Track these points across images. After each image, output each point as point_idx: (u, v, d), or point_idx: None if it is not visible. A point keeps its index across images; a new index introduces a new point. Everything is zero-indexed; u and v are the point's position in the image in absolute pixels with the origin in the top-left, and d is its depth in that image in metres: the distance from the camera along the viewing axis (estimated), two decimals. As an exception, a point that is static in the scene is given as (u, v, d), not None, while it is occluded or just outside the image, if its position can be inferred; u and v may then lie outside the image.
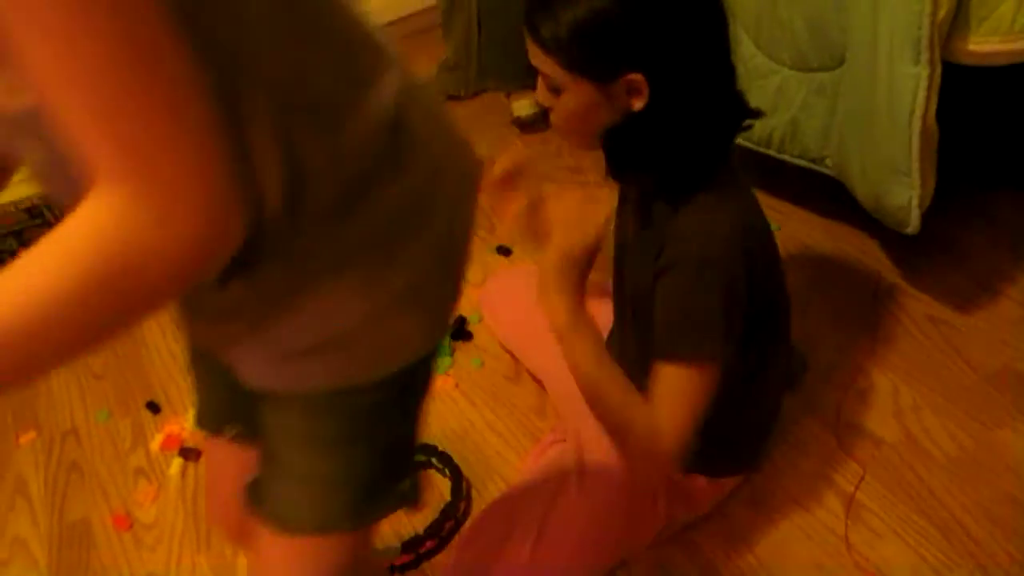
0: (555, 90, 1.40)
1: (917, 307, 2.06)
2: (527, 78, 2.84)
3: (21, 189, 2.60)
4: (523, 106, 2.93)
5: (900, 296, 2.09)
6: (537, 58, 1.39)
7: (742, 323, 1.42)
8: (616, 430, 1.43)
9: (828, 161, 2.06)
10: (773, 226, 2.27)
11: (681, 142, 1.39)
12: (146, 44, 0.63)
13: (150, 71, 0.63)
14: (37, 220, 2.67)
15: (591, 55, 1.33)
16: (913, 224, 1.85)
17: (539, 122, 2.90)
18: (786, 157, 2.17)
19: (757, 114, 1.46)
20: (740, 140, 2.23)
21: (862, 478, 1.75)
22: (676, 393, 1.40)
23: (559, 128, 1.47)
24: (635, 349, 1.62)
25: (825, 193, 2.19)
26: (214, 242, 0.69)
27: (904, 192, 1.81)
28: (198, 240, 0.68)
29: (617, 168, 1.47)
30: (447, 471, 1.90)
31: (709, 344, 1.39)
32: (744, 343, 1.49)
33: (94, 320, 0.70)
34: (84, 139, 0.64)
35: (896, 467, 1.77)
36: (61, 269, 0.67)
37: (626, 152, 1.43)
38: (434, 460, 1.94)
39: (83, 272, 0.67)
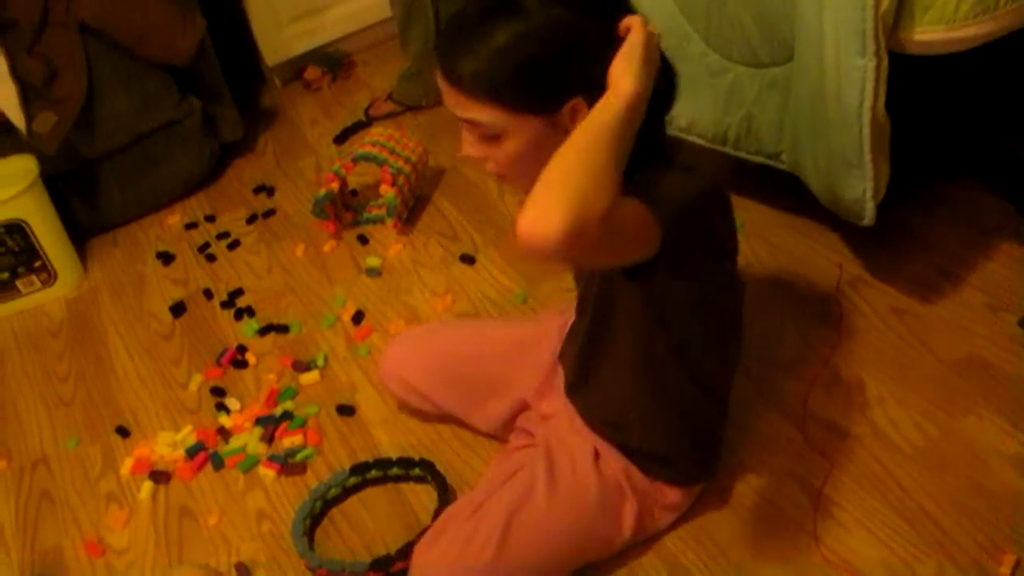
0: (491, 138, 1.33)
1: (880, 298, 2.06)
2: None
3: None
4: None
5: (863, 288, 2.09)
6: (467, 109, 1.31)
7: (695, 250, 1.38)
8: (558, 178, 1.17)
9: (783, 156, 2.06)
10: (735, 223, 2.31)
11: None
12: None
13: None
14: (0, 249, 2.66)
15: (535, 89, 1.28)
16: (868, 216, 1.85)
17: None
18: (742, 154, 2.17)
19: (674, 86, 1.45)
20: (695, 139, 2.25)
21: (829, 472, 1.75)
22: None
23: (504, 176, 1.39)
24: (583, 343, 1.65)
25: (785, 188, 2.19)
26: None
27: (857, 185, 1.81)
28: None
29: None
30: (434, 484, 1.89)
31: (664, 204, 1.28)
32: (700, 342, 1.53)
33: None
34: None
35: (863, 460, 1.76)
36: None
37: None
38: (417, 472, 1.94)
39: None
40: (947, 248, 2.13)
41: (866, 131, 1.74)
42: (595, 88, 1.25)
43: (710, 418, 1.70)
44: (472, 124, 1.34)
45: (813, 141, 1.89)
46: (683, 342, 1.54)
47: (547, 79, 1.28)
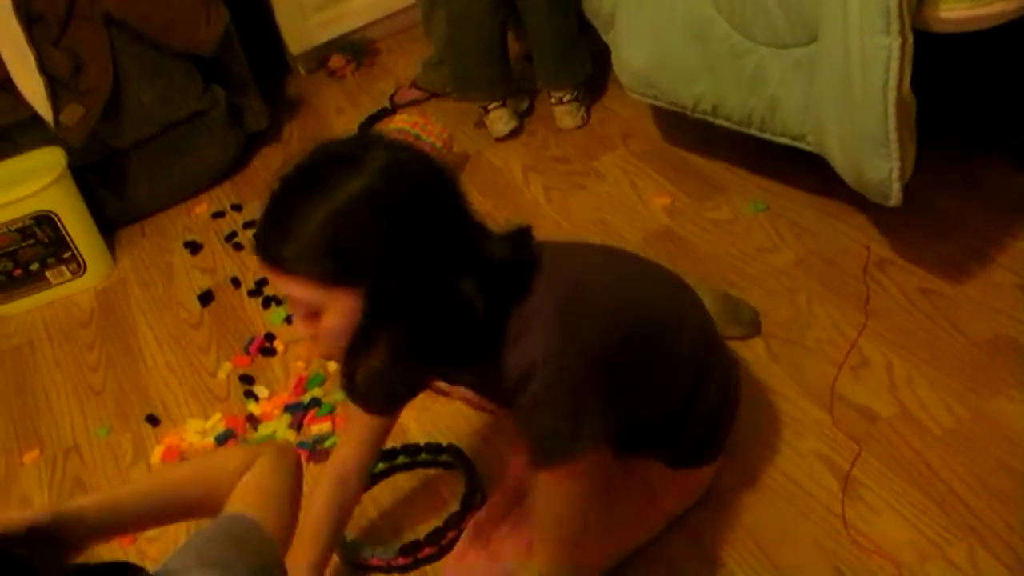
0: (312, 315, 1.30)
1: (908, 279, 2.04)
2: (499, 87, 2.81)
3: (13, 210, 2.61)
4: (499, 125, 2.90)
5: (891, 269, 2.07)
6: (285, 285, 1.28)
7: (608, 388, 1.38)
8: None
9: (809, 138, 2.05)
10: (760, 206, 2.30)
11: (455, 323, 1.31)
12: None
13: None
14: (30, 240, 2.68)
15: (343, 259, 1.24)
16: (895, 197, 1.84)
17: (519, 131, 2.92)
18: (768, 136, 2.15)
19: (529, 266, 1.38)
20: (721, 122, 2.24)
21: (858, 455, 1.74)
22: (559, 500, 1.42)
23: (335, 356, 1.37)
24: None
25: (811, 169, 2.18)
26: None
27: (883, 165, 1.80)
28: None
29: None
30: (462, 470, 1.90)
31: (579, 444, 1.36)
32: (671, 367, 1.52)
33: None
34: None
35: (892, 442, 1.75)
36: None
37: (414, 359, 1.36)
38: (445, 458, 1.94)
39: None
40: (975, 228, 2.10)
41: (891, 111, 1.72)
42: (408, 264, 1.25)
43: (712, 405, 1.64)
44: (292, 300, 1.32)
45: (839, 122, 1.87)
46: (652, 401, 1.56)
47: (355, 254, 1.24)
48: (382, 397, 1.59)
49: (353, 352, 1.32)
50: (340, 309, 1.27)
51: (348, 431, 1.71)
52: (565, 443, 1.36)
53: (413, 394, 1.60)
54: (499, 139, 2.90)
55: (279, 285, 1.29)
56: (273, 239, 1.26)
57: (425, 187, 1.28)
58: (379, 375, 1.37)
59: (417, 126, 2.73)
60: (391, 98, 3.25)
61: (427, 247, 1.26)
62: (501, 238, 1.37)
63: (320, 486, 1.70)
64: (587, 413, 1.35)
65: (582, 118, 2.86)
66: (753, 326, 2.00)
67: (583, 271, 1.46)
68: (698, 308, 1.66)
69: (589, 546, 1.59)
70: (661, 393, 1.56)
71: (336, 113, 3.34)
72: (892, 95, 1.71)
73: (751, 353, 1.96)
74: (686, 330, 1.58)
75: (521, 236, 1.41)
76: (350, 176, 1.23)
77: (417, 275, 1.26)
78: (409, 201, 1.25)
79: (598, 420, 1.37)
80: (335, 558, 1.80)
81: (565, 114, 2.86)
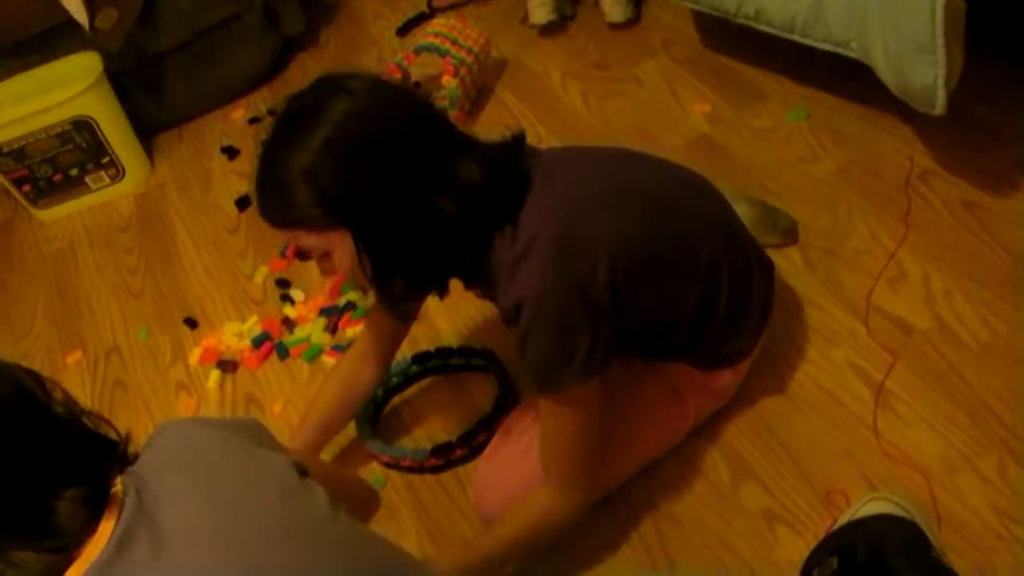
0: (326, 256, 1.39)
1: (951, 191, 2.00)
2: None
3: (51, 115, 2.62)
4: (540, 12, 2.85)
5: (933, 180, 2.03)
6: (293, 237, 1.38)
7: (607, 317, 1.40)
8: (539, 532, 1.53)
9: (853, 44, 1.99)
10: (801, 114, 2.26)
11: (439, 234, 1.37)
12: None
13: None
14: (69, 146, 2.70)
15: (327, 206, 1.30)
16: (940, 105, 1.79)
17: (558, 26, 2.87)
18: (810, 42, 2.10)
19: (525, 184, 1.40)
20: (763, 27, 2.19)
21: (892, 366, 1.73)
22: (561, 430, 1.46)
23: (362, 286, 1.45)
24: None
25: (854, 77, 2.13)
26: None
27: (929, 71, 1.75)
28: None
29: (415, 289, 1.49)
30: (495, 373, 1.91)
31: (569, 376, 1.39)
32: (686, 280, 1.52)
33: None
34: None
35: (927, 354, 1.74)
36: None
37: (411, 271, 1.42)
38: (478, 361, 1.96)
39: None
40: (1021, 139, 2.05)
41: (940, 15, 1.67)
42: (382, 197, 1.31)
43: (731, 305, 1.60)
44: (305, 247, 1.40)
45: (884, 25, 1.82)
46: (672, 313, 1.56)
47: (336, 200, 1.31)
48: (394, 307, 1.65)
49: (375, 280, 1.40)
50: (343, 248, 1.35)
51: (366, 331, 1.76)
52: (557, 374, 1.39)
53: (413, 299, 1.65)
54: (536, 26, 2.85)
55: (289, 238, 1.40)
56: (266, 203, 1.35)
57: (387, 126, 1.33)
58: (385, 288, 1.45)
59: (455, 30, 2.69)
60: (429, 2, 3.21)
61: (396, 178, 1.31)
62: (485, 156, 1.39)
63: (330, 381, 1.78)
64: (578, 346, 1.38)
65: (632, 11, 2.80)
66: (790, 235, 1.98)
67: (583, 191, 1.45)
68: (715, 209, 1.63)
69: (617, 450, 1.61)
70: (674, 304, 1.55)
71: (373, 18, 3.30)
72: (941, -2, 1.66)
73: (788, 262, 1.94)
74: (699, 236, 1.55)
75: (511, 150, 1.44)
76: (312, 130, 1.29)
77: (392, 206, 1.32)
78: (370, 142, 1.30)
79: (591, 352, 1.38)
80: (366, 456, 1.84)
81: (615, 5, 2.79)
